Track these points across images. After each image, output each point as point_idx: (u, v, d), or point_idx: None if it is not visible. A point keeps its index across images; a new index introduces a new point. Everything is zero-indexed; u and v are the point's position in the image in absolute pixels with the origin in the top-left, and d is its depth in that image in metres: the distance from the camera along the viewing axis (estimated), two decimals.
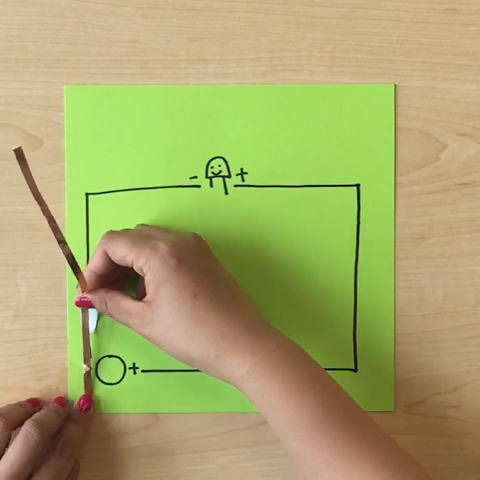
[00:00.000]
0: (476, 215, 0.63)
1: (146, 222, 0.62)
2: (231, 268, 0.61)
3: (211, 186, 0.62)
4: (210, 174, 0.62)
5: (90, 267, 0.58)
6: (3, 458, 0.55)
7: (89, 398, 0.61)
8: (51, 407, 0.60)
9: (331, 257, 0.62)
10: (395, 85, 0.62)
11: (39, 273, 0.62)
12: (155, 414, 0.63)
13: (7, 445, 0.56)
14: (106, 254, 0.57)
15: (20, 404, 0.60)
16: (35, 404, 0.61)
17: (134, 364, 0.62)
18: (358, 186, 0.62)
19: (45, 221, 0.62)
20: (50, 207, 0.62)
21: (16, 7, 0.61)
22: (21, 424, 0.57)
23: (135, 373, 0.62)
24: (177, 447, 0.63)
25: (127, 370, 0.62)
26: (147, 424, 0.63)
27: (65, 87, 0.62)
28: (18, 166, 0.51)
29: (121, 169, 0.62)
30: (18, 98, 0.61)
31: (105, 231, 0.59)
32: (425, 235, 0.63)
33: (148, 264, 0.55)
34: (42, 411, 0.59)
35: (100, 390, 0.62)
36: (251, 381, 0.53)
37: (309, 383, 0.53)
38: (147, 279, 0.55)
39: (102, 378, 0.62)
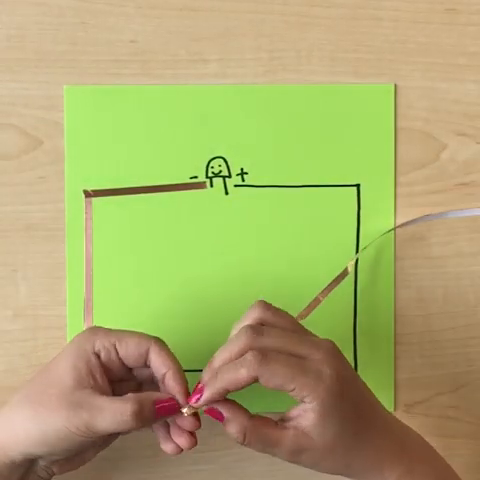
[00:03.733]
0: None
1: (146, 222, 0.62)
2: (231, 268, 0.61)
3: (211, 186, 0.62)
4: (210, 174, 0.62)
5: (227, 386, 0.51)
6: None
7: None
8: None
9: (331, 257, 0.62)
10: (395, 85, 0.62)
11: (39, 273, 0.62)
12: None
13: None
14: (254, 379, 0.51)
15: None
16: None
17: None
18: (358, 186, 0.62)
19: (45, 221, 0.62)
20: (50, 207, 0.62)
21: (16, 7, 0.61)
22: None
23: None
24: None
25: None
26: None
27: (65, 87, 0.62)
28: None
29: (121, 169, 0.62)
30: (18, 98, 0.61)
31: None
32: (425, 235, 0.63)
33: (314, 394, 0.51)
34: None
35: None
36: None
37: None
38: (309, 407, 0.52)
39: None
